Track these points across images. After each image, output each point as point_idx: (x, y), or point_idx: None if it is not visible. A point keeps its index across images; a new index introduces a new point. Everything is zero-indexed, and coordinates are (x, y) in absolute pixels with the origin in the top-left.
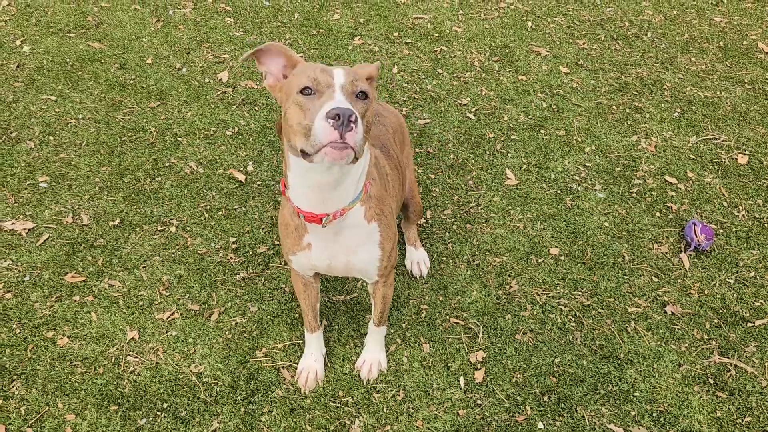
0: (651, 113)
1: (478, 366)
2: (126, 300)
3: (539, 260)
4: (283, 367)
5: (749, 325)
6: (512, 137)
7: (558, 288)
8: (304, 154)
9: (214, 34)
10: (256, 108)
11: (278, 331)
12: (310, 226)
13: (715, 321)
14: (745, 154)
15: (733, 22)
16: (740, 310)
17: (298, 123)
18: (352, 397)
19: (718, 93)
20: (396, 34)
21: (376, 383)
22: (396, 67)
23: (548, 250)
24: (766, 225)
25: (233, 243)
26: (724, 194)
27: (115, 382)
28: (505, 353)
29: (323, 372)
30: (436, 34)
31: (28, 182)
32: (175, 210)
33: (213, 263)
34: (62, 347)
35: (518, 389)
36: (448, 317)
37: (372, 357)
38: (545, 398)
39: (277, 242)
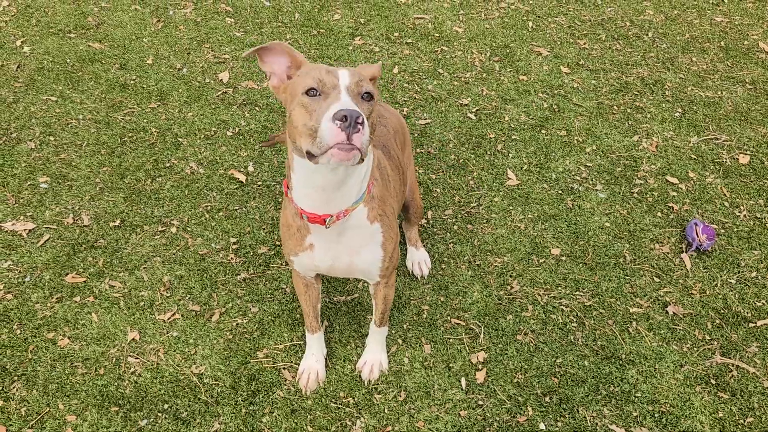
0: (652, 113)
1: (480, 367)
2: (127, 301)
3: (540, 260)
4: (284, 368)
5: (751, 325)
6: (513, 137)
7: (559, 288)
8: (310, 155)
9: (215, 34)
10: (257, 108)
11: (279, 332)
12: (313, 227)
13: (717, 321)
14: (746, 154)
15: (734, 21)
16: (742, 311)
17: (304, 124)
18: (354, 398)
19: (720, 93)
20: (396, 34)
21: (378, 384)
22: (396, 67)
23: (549, 251)
24: (767, 225)
25: (234, 243)
26: (725, 194)
27: (116, 383)
28: (506, 354)
29: (324, 373)
30: (437, 34)
31: (29, 183)
32: (176, 210)
33: (214, 264)
34: (63, 348)
35: (520, 390)
36: (449, 318)
37: (373, 358)
38: (547, 399)
39: (278, 243)
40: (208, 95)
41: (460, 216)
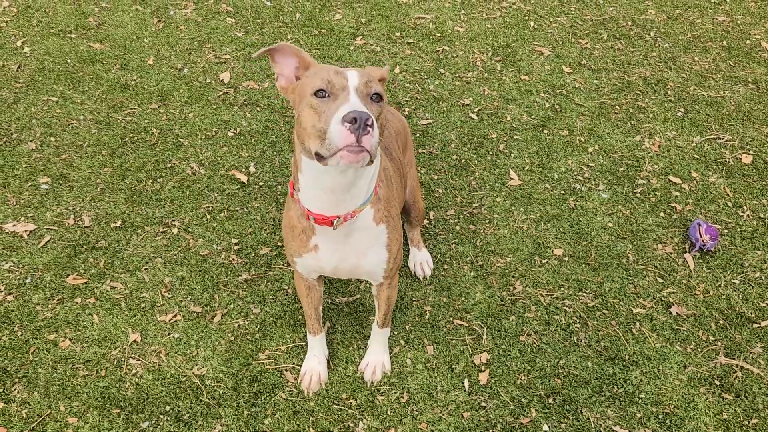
0: (654, 113)
1: (483, 368)
2: (128, 302)
3: (543, 261)
4: (286, 370)
5: (755, 326)
6: (515, 137)
7: (562, 289)
8: (319, 156)
9: (216, 34)
10: (258, 109)
11: (281, 333)
12: (319, 228)
13: (721, 322)
14: (749, 154)
15: (736, 21)
16: (746, 311)
17: (313, 126)
18: (356, 400)
19: (722, 92)
20: (398, 34)
21: (380, 385)
22: (398, 67)
23: (552, 251)
24: None
25: (235, 244)
26: (728, 194)
27: (118, 385)
28: (509, 355)
29: (326, 374)
30: (438, 34)
31: (30, 184)
32: (177, 211)
33: (215, 265)
34: (64, 350)
35: (523, 391)
36: (451, 319)
37: (375, 359)
38: (550, 400)
39: (280, 244)
40: (209, 95)
41: (462, 216)
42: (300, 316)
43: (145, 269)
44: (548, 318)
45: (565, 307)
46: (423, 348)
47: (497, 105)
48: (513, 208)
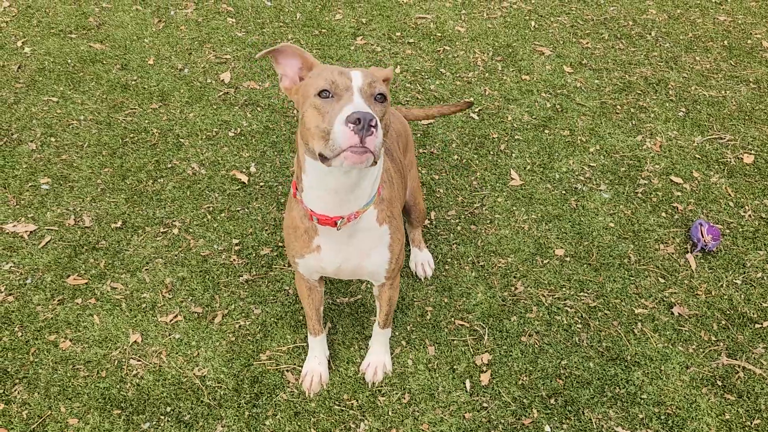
0: (656, 113)
1: (484, 368)
2: (128, 303)
3: (544, 261)
4: (287, 370)
5: (757, 326)
6: (516, 137)
7: (564, 289)
8: (322, 157)
9: (216, 34)
10: (259, 109)
11: (282, 334)
12: (322, 228)
13: (723, 322)
14: (750, 154)
15: (737, 20)
16: (748, 311)
17: (316, 126)
18: (357, 401)
19: (723, 92)
20: (398, 34)
21: (381, 386)
22: (399, 67)
23: (553, 251)
24: None
25: (236, 245)
26: (730, 194)
27: (118, 386)
28: (510, 355)
29: (327, 375)
30: (439, 34)
31: (30, 184)
32: (178, 212)
33: (216, 265)
34: (64, 350)
35: (524, 392)
36: (453, 319)
37: (377, 359)
38: (552, 401)
39: (280, 244)
40: (209, 96)
41: (463, 217)
42: (301, 317)
43: (146, 270)
44: (550, 318)
45: (566, 308)
46: (424, 348)
47: (498, 105)
48: (514, 208)
